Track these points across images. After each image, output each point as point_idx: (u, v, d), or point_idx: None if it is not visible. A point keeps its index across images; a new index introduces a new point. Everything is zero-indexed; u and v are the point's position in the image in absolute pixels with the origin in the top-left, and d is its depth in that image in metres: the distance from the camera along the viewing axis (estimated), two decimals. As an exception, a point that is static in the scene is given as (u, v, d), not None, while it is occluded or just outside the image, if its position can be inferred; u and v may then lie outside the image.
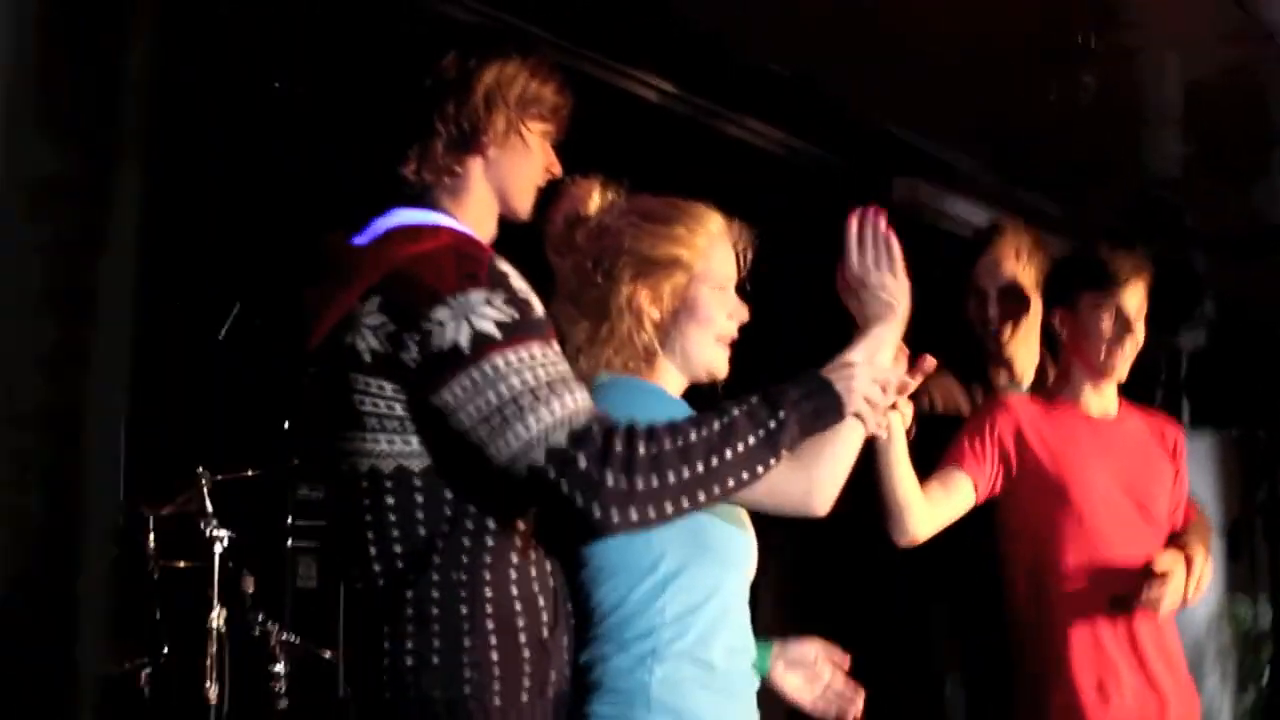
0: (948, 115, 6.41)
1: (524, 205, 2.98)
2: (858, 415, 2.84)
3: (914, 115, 6.44)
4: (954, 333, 4.65)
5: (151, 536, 5.68)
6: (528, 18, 4.93)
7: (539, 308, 2.73)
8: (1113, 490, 4.20)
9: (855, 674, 3.27)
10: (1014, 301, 4.58)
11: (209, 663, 5.58)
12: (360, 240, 2.81)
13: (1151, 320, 4.34)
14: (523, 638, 2.73)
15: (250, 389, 5.83)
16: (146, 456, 5.22)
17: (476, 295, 2.64)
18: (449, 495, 2.71)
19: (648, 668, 2.90)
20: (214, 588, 5.66)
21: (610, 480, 2.57)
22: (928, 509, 3.94)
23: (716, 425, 2.67)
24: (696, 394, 3.10)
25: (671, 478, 2.61)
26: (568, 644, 2.84)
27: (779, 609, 7.04)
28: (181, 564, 5.75)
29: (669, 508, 2.63)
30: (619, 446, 2.59)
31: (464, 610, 2.70)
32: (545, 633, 2.77)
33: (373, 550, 2.74)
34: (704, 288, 3.05)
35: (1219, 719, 10.56)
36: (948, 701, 4.71)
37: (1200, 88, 6.24)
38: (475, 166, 2.91)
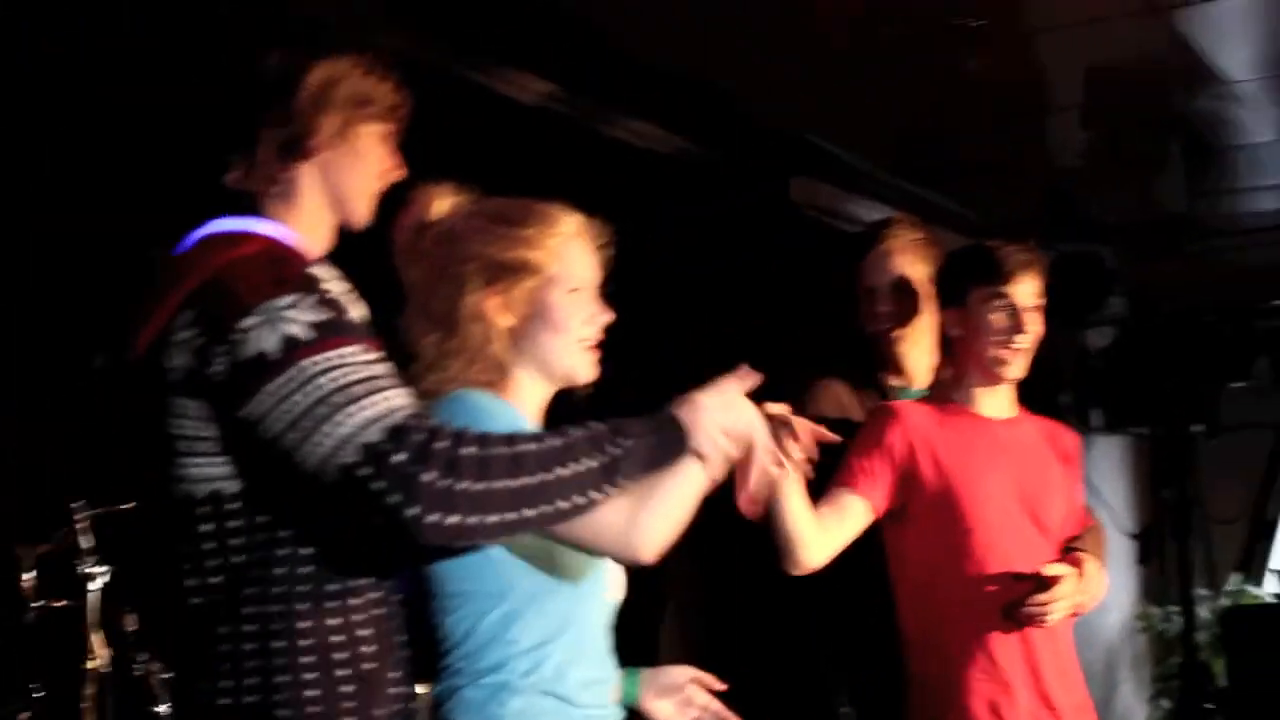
0: (844, 112, 6.32)
1: (359, 211, 2.84)
2: (700, 456, 2.71)
3: (810, 113, 6.33)
4: (845, 335, 4.56)
5: (26, 576, 5.47)
6: (395, 18, 4.77)
7: (356, 312, 2.59)
8: (1007, 497, 4.08)
9: (743, 700, 3.22)
10: (904, 299, 4.47)
11: (87, 705, 5.38)
12: (177, 251, 2.67)
13: (1058, 317, 4.24)
14: (341, 672, 2.58)
15: (129, 418, 5.63)
16: (21, 492, 5.11)
17: (284, 300, 2.49)
18: (263, 520, 2.55)
19: (500, 701, 2.79)
20: (92, 627, 5.45)
21: (429, 477, 2.40)
22: (820, 537, 3.87)
23: (556, 442, 2.54)
24: (563, 400, 2.99)
25: (498, 484, 2.45)
26: (399, 677, 2.69)
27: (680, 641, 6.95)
28: (58, 603, 5.54)
29: (493, 518, 2.46)
30: (442, 443, 2.43)
31: (278, 645, 2.55)
32: (368, 665, 2.61)
33: (189, 582, 2.58)
34: (558, 291, 2.92)
35: (1134, 727, 10.55)
36: None
37: (1102, 75, 6.17)
38: (305, 172, 2.77)
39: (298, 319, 2.48)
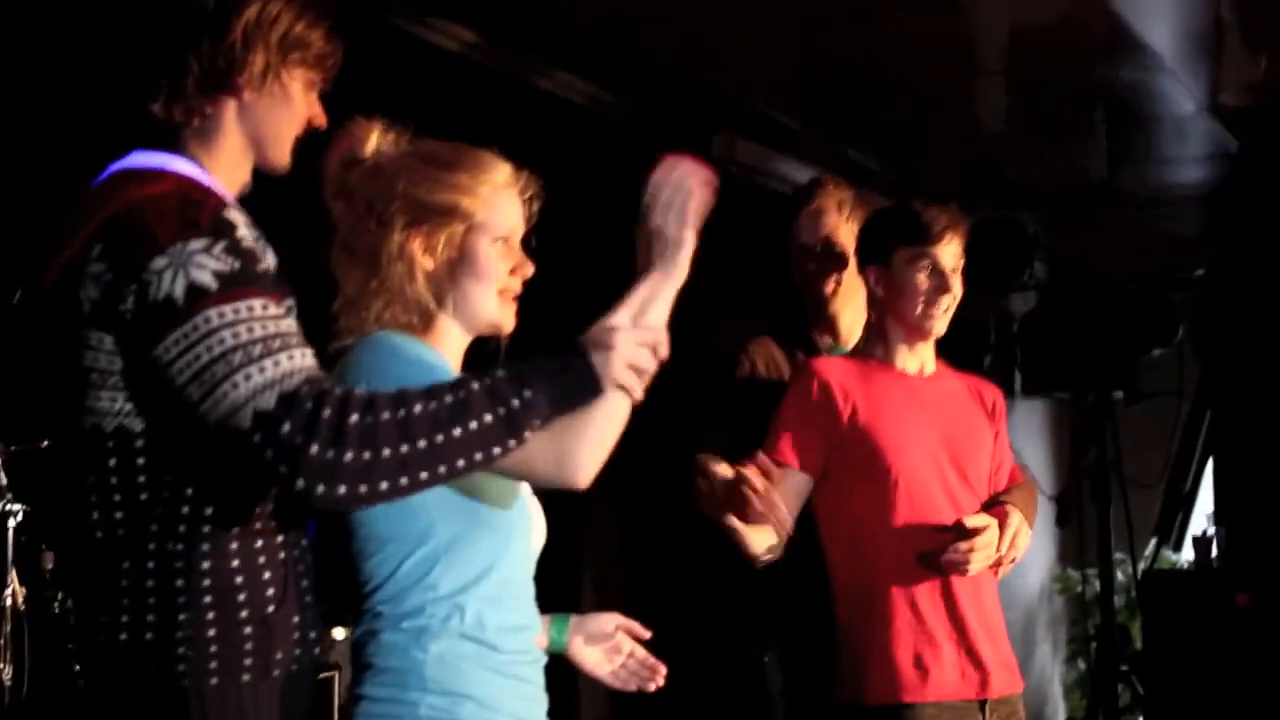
0: (769, 68, 6.31)
1: (278, 155, 2.81)
2: (621, 386, 2.65)
3: (734, 68, 6.31)
4: (776, 292, 4.57)
5: (-61, 512, 5.46)
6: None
7: (267, 259, 2.58)
8: (931, 450, 4.13)
9: (667, 649, 3.23)
10: (836, 257, 4.49)
11: (3, 642, 5.38)
12: (94, 184, 2.65)
13: (982, 282, 4.28)
14: (243, 613, 2.57)
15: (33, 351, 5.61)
16: None
17: (196, 244, 2.48)
18: (168, 459, 2.54)
19: (421, 645, 2.78)
20: (7, 565, 5.45)
21: (315, 449, 2.40)
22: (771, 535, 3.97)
23: (449, 399, 2.50)
24: (481, 349, 2.97)
25: (386, 451, 2.43)
26: (300, 621, 2.67)
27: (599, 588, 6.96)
28: (-28, 540, 5.53)
29: (383, 485, 2.45)
30: (328, 412, 2.41)
31: (179, 583, 2.54)
32: (270, 608, 2.60)
33: (94, 515, 2.57)
34: (484, 239, 2.89)
35: (1049, 688, 10.65)
36: (767, 676, 4.60)
37: (1026, 37, 6.17)
38: (228, 109, 2.74)
39: (206, 265, 2.47)
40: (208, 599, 2.55)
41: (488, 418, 2.51)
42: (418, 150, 2.92)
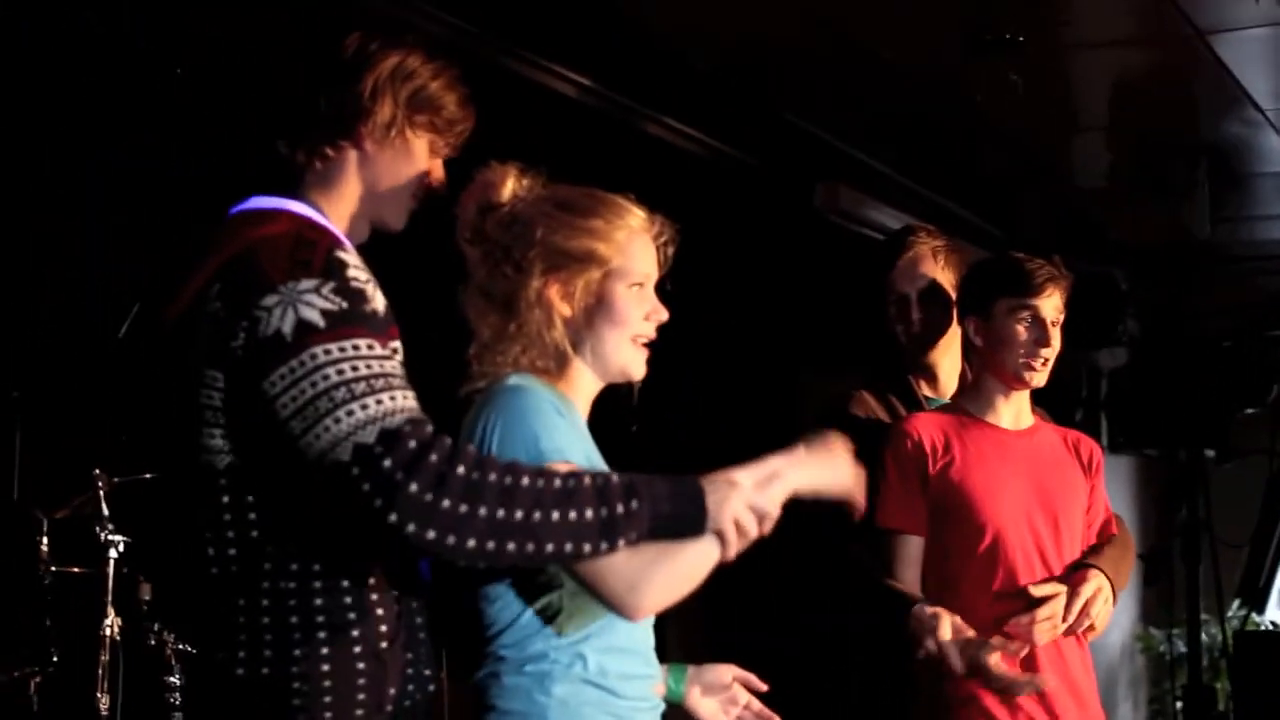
0: (872, 119, 6.32)
1: (393, 213, 2.84)
2: (719, 534, 2.65)
3: (839, 119, 6.34)
4: (874, 341, 4.54)
5: (44, 540, 5.49)
6: (446, 7, 4.79)
7: (377, 301, 2.58)
8: (1025, 506, 4.08)
9: (774, 702, 3.20)
10: (935, 305, 4.43)
11: (101, 672, 5.40)
12: (215, 226, 2.69)
13: (1072, 337, 4.26)
14: (356, 649, 2.59)
15: (151, 389, 5.66)
16: (41, 458, 5.10)
17: (307, 283, 2.51)
18: (280, 497, 2.57)
19: (544, 689, 2.77)
20: (108, 594, 5.46)
21: (414, 488, 2.41)
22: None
23: (558, 483, 2.52)
24: (613, 395, 2.97)
25: (483, 510, 2.45)
26: (414, 658, 2.69)
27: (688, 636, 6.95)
28: (75, 569, 5.56)
29: (470, 542, 2.46)
30: (434, 457, 2.43)
31: (294, 620, 2.57)
32: (384, 644, 2.62)
33: (209, 551, 2.60)
34: (620, 285, 2.87)
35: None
36: None
37: (1128, 94, 6.17)
38: (349, 157, 2.77)
39: (315, 304, 2.50)
40: (321, 634, 2.57)
41: (589, 514, 2.52)
42: (554, 196, 2.91)
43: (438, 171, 2.86)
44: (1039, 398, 4.28)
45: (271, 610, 2.57)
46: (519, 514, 2.47)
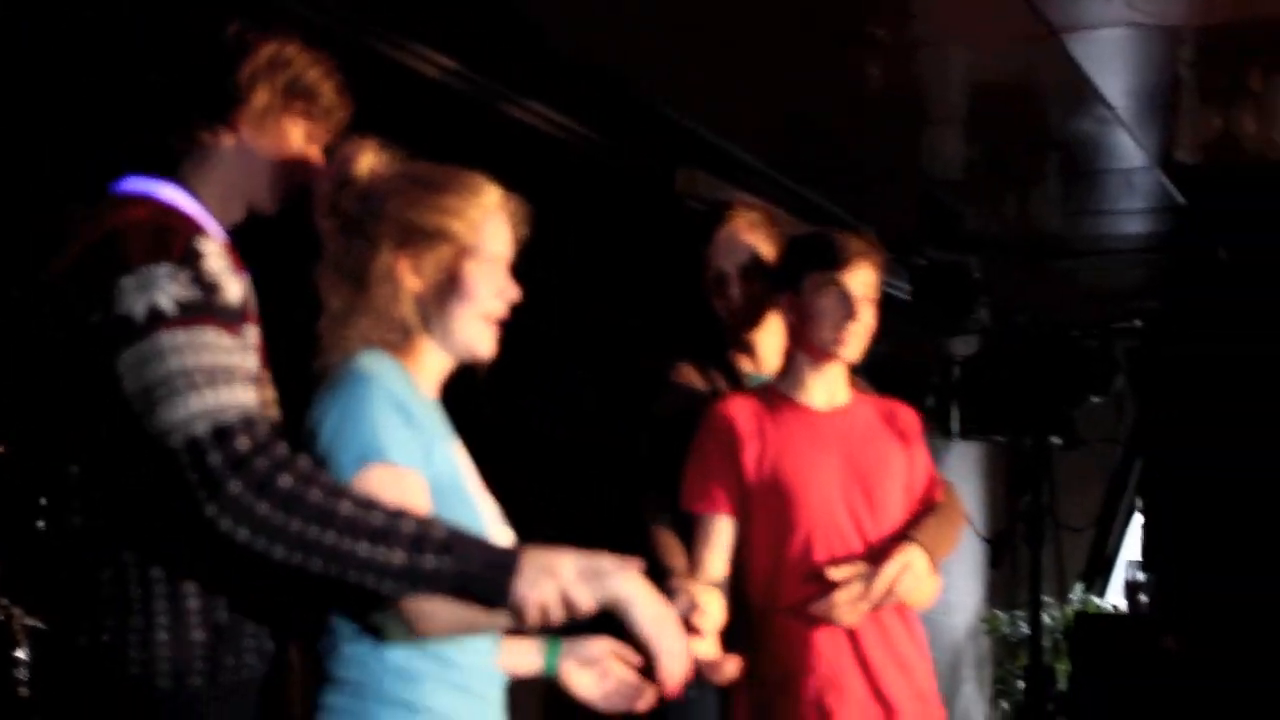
0: (733, 107, 6.36)
1: (265, 198, 2.90)
2: (517, 607, 2.65)
3: (700, 106, 6.37)
4: (694, 316, 4.53)
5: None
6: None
7: (231, 292, 2.64)
8: (841, 486, 4.12)
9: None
10: (754, 281, 4.42)
11: (-54, 648, 5.35)
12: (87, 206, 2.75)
13: (926, 324, 4.32)
14: (195, 620, 2.66)
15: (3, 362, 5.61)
16: None
17: (162, 269, 2.57)
18: (123, 473, 2.63)
19: (381, 658, 2.80)
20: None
21: (235, 487, 2.49)
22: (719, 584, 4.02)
23: (378, 518, 2.56)
24: (461, 373, 3.00)
25: (295, 525, 2.51)
26: (255, 630, 2.75)
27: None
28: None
29: (280, 551, 2.52)
30: (263, 462, 2.50)
31: (135, 590, 2.64)
32: (224, 615, 2.69)
33: (54, 522, 2.71)
34: (472, 262, 2.91)
35: (973, 726, 10.75)
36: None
37: (982, 89, 6.27)
38: (226, 142, 2.84)
39: (168, 290, 2.56)
40: (160, 604, 2.64)
41: (398, 557, 2.55)
42: (409, 172, 2.93)
43: (316, 157, 2.91)
44: (886, 384, 4.33)
45: (113, 580, 2.64)
46: (329, 538, 2.52)
